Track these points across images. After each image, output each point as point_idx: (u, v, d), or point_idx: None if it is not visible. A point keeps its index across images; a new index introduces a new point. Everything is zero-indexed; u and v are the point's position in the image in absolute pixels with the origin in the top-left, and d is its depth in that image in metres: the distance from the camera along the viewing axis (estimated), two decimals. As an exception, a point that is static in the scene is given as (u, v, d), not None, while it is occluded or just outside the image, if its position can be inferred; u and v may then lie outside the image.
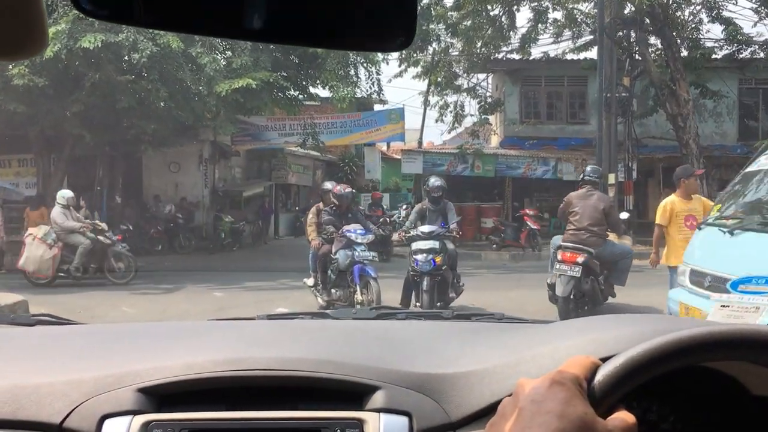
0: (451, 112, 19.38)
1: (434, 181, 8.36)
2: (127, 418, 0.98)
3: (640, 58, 16.56)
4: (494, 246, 17.01)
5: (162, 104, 13.47)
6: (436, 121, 20.21)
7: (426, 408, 0.98)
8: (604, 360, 0.69)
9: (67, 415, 0.98)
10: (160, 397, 1.01)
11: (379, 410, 0.99)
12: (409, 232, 7.90)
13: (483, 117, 19.12)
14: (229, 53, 15.02)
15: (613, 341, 0.91)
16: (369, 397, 1.00)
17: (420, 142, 21.88)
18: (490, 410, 0.93)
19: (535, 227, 16.19)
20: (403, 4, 0.65)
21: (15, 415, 0.99)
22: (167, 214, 17.98)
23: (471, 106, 21.40)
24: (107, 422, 0.97)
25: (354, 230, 7.99)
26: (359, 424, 0.97)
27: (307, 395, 1.03)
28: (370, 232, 8.14)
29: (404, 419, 0.97)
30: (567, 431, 0.57)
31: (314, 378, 1.03)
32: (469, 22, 17.55)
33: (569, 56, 20.07)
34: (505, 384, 0.95)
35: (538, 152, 19.72)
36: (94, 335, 1.50)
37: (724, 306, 4.44)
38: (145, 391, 1.01)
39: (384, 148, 27.92)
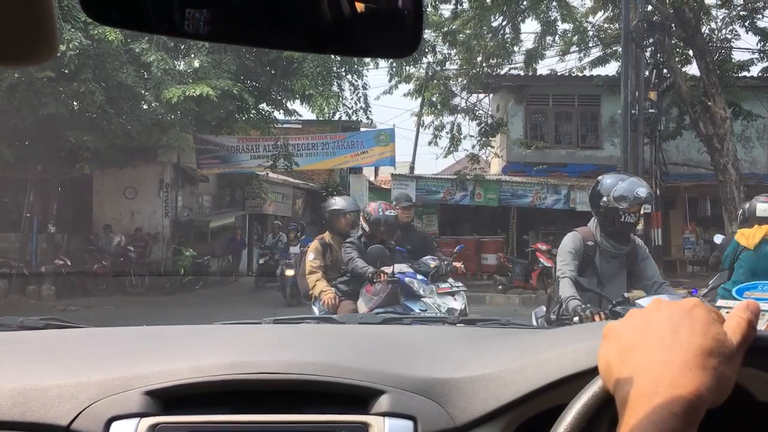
0: (447, 133, 17.06)
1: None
2: (134, 420, 0.98)
3: (667, 72, 14.36)
4: (500, 287, 14.44)
5: (99, 111, 10.91)
6: (430, 143, 17.80)
7: (431, 412, 0.97)
8: None
9: (75, 417, 0.98)
10: (167, 399, 1.01)
11: (384, 414, 0.98)
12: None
13: (484, 139, 16.68)
14: (187, 58, 12.59)
15: None
16: (374, 401, 1.00)
17: (412, 168, 19.49)
18: (495, 415, 0.94)
19: (549, 265, 13.69)
20: (409, 7, 0.62)
21: (24, 417, 0.99)
22: (116, 246, 15.35)
23: (470, 127, 19.11)
24: (114, 424, 0.97)
25: (412, 274, 5.06)
26: (364, 427, 0.97)
27: (313, 399, 1.02)
28: (428, 282, 5.18)
29: (409, 423, 0.96)
30: (710, 346, 0.63)
31: (320, 382, 1.02)
32: (470, 30, 15.37)
33: (579, 73, 17.97)
34: (511, 389, 0.94)
35: (547, 179, 17.31)
36: (101, 338, 1.49)
37: (728, 312, 3.31)
38: (152, 393, 1.00)
39: (371, 177, 25.48)
